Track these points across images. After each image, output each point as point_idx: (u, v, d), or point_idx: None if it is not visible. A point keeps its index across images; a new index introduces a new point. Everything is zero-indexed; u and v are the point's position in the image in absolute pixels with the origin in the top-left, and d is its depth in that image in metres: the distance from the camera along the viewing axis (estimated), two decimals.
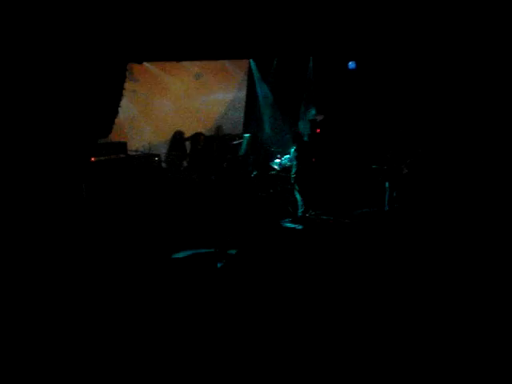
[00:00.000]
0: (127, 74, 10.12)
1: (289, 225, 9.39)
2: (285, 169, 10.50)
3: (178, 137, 11.10)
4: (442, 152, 9.51)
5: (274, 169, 10.67)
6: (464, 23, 9.45)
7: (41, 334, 4.97)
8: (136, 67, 10.41)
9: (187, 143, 11.17)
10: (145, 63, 10.40)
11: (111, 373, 4.39)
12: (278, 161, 10.78)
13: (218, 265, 7.12)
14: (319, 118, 11.51)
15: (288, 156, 10.60)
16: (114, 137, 10.11)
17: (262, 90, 12.09)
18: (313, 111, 11.69)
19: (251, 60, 11.93)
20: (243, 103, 12.19)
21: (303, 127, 11.80)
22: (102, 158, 9.48)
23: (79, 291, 6.14)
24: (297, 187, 9.73)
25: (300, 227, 9.16)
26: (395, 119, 10.42)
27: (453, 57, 9.80)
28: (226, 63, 11.78)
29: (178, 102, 11.36)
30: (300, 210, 9.66)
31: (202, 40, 9.84)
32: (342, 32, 10.46)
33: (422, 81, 10.17)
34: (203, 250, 7.94)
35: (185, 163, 10.66)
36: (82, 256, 7.48)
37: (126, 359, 4.54)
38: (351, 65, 11.19)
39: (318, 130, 11.18)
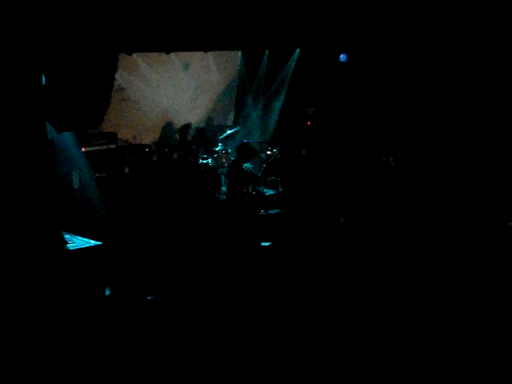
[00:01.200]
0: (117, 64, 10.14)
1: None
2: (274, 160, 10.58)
3: (168, 128, 11.10)
4: (432, 147, 9.56)
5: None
6: (457, 17, 9.46)
7: (37, 334, 4.95)
8: (123, 59, 10.37)
9: (177, 134, 11.19)
10: (134, 55, 10.36)
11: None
12: (269, 153, 10.83)
13: None
14: (310, 110, 11.54)
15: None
16: (104, 127, 10.12)
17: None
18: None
19: (240, 52, 11.88)
20: (234, 95, 12.17)
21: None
22: (93, 149, 9.47)
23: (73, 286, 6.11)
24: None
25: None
26: (386, 113, 10.45)
27: (444, 51, 9.82)
28: (216, 54, 11.73)
29: (168, 93, 11.34)
30: None
31: (192, 31, 9.82)
32: (334, 24, 10.47)
33: (414, 74, 10.18)
34: None
35: (175, 155, 10.65)
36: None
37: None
38: (342, 57, 11.20)
39: (309, 123, 11.23)
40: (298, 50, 11.58)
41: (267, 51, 11.65)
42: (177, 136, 11.17)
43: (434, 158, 9.37)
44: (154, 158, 10.47)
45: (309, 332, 4.93)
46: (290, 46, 11.38)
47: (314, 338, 4.81)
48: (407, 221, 7.99)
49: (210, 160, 10.35)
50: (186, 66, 11.34)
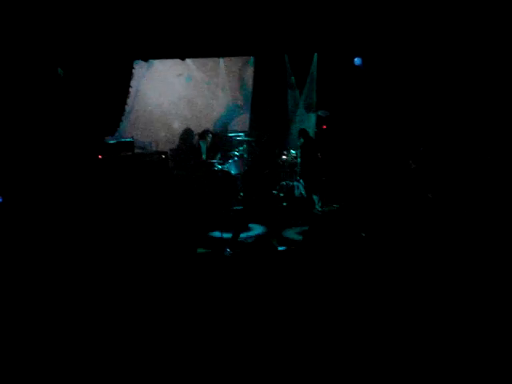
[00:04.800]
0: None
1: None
2: (290, 164, 10.50)
3: (185, 135, 11.10)
4: (448, 147, 9.45)
5: (280, 165, 10.66)
6: (475, 21, 9.39)
7: (40, 332, 4.94)
8: (139, 66, 10.44)
9: (195, 141, 11.17)
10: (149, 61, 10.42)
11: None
12: (284, 157, 10.76)
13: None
14: (324, 114, 11.47)
15: (293, 152, 10.61)
16: (121, 135, 10.16)
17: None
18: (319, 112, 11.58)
19: (252, 57, 11.84)
20: (249, 101, 12.13)
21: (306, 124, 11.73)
22: (110, 156, 9.50)
23: (87, 291, 6.10)
24: (302, 183, 9.86)
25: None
26: (401, 115, 10.37)
27: (459, 53, 9.75)
28: (230, 59, 11.74)
29: (183, 100, 11.38)
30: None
31: (207, 38, 9.84)
32: (349, 28, 10.43)
33: (428, 76, 10.11)
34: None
35: (192, 161, 10.64)
36: (88, 253, 7.47)
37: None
38: (357, 61, 11.14)
39: (325, 126, 11.16)
40: (316, 54, 11.49)
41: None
42: (193, 142, 11.16)
43: (452, 158, 9.25)
44: (171, 165, 10.47)
45: (310, 332, 4.86)
46: (307, 51, 11.29)
47: (314, 338, 4.73)
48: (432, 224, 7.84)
49: (227, 166, 10.31)
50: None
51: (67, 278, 6.45)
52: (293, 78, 11.74)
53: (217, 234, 8.21)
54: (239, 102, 12.02)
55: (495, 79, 9.31)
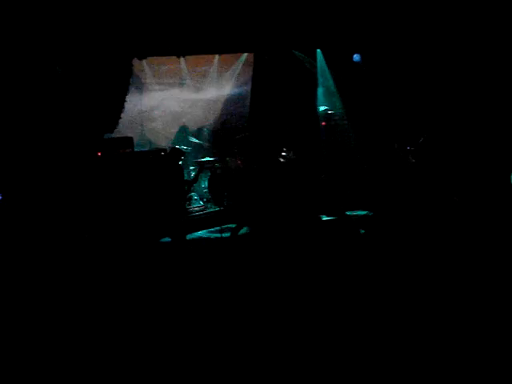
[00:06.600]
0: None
1: None
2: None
3: (183, 131, 11.11)
4: (446, 140, 9.43)
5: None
6: (466, 18, 9.42)
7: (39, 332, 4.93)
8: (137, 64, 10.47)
9: (192, 137, 11.19)
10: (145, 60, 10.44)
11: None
12: (284, 154, 10.77)
13: None
14: (324, 111, 11.47)
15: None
16: (121, 132, 10.16)
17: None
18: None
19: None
20: (248, 97, 12.12)
21: None
22: (109, 153, 9.47)
23: (84, 287, 6.10)
24: None
25: None
26: (400, 110, 10.38)
27: (456, 49, 9.77)
28: (228, 57, 11.74)
29: (182, 96, 11.38)
30: None
31: (204, 34, 9.83)
32: (348, 24, 10.44)
33: (426, 71, 10.13)
34: None
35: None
36: (87, 252, 7.48)
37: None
38: (356, 57, 11.16)
39: (324, 123, 11.18)
40: (319, 50, 11.43)
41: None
42: (192, 139, 11.17)
43: (449, 151, 9.22)
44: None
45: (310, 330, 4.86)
46: (305, 48, 11.26)
47: (315, 337, 4.73)
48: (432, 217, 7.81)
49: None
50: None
51: (65, 275, 6.47)
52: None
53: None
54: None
55: (495, 72, 9.31)
